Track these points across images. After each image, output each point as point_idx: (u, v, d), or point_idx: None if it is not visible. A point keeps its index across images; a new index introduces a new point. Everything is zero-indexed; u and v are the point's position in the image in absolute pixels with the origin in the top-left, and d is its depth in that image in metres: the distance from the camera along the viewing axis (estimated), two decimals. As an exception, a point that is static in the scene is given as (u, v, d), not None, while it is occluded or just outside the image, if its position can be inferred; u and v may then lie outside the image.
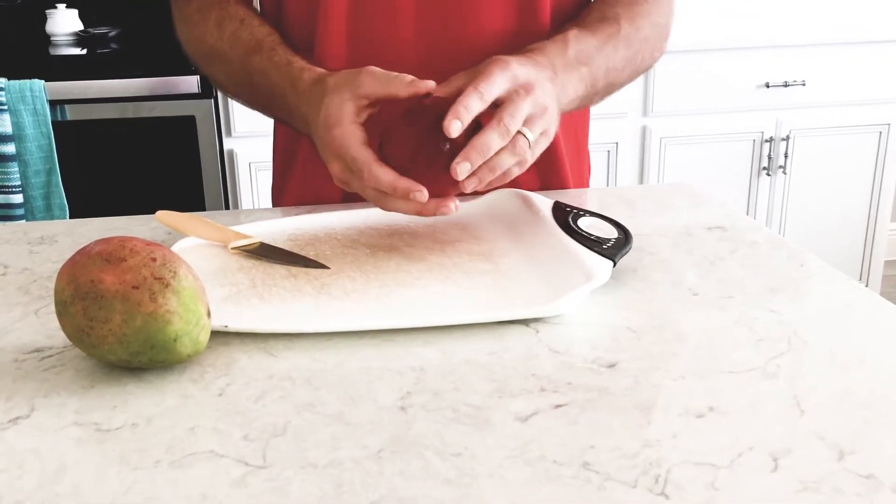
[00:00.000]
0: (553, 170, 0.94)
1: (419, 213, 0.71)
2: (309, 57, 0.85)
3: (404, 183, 0.69)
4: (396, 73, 0.72)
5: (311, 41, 0.89)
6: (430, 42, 0.88)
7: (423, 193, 0.68)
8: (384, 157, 0.70)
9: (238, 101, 0.92)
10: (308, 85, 0.78)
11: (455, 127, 0.67)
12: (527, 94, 0.72)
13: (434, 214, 0.71)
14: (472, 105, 0.69)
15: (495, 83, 0.71)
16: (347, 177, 0.72)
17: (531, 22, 0.89)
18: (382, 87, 0.72)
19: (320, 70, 0.80)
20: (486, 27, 0.88)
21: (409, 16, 0.87)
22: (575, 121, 0.98)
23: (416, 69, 0.87)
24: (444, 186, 0.70)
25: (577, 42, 0.83)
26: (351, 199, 0.92)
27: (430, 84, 0.71)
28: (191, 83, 1.97)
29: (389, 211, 0.72)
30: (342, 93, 0.73)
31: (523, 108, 0.71)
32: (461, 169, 0.68)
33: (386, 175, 0.69)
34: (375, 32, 0.88)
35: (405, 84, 0.72)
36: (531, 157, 0.73)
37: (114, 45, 2.21)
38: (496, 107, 0.72)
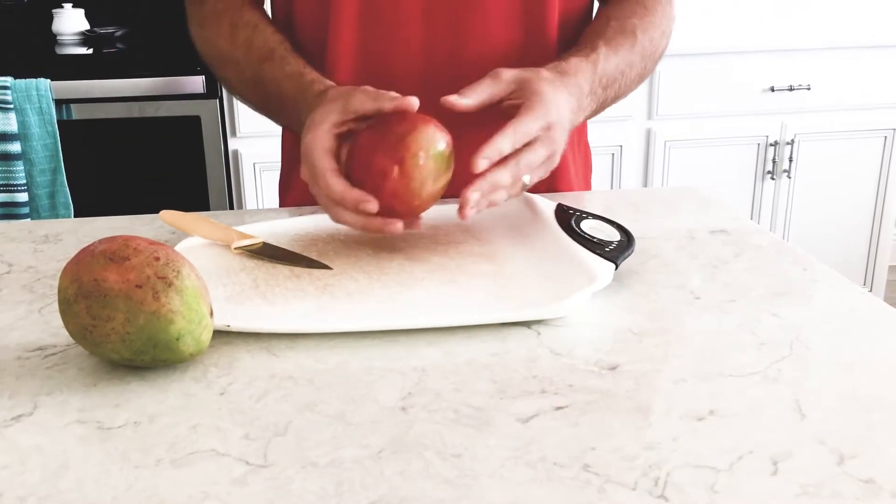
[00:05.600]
0: (560, 176, 0.95)
1: (364, 228, 0.71)
2: (319, 68, 0.86)
3: (354, 194, 0.69)
4: (385, 92, 0.72)
5: (321, 55, 0.89)
6: (438, 54, 0.88)
7: (372, 204, 0.68)
8: (346, 169, 0.71)
9: (247, 105, 0.93)
10: (314, 96, 0.79)
11: (482, 165, 0.69)
12: (547, 141, 0.73)
13: (380, 232, 0.70)
14: (504, 148, 0.70)
15: (532, 129, 0.72)
16: (310, 182, 0.73)
17: (538, 35, 0.89)
18: (371, 102, 0.72)
19: (327, 83, 0.81)
20: (492, 40, 0.88)
21: (418, 29, 0.88)
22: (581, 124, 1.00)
23: (423, 81, 0.88)
24: (398, 204, 0.70)
25: (605, 63, 0.85)
26: None
27: (413, 102, 0.70)
28: (196, 83, 1.98)
29: (338, 223, 0.72)
30: (333, 104, 0.73)
31: (539, 156, 0.73)
32: (472, 198, 0.69)
33: (337, 185, 0.69)
34: (384, 45, 0.89)
35: (389, 99, 0.71)
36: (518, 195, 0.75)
37: (120, 45, 2.22)
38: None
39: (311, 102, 0.78)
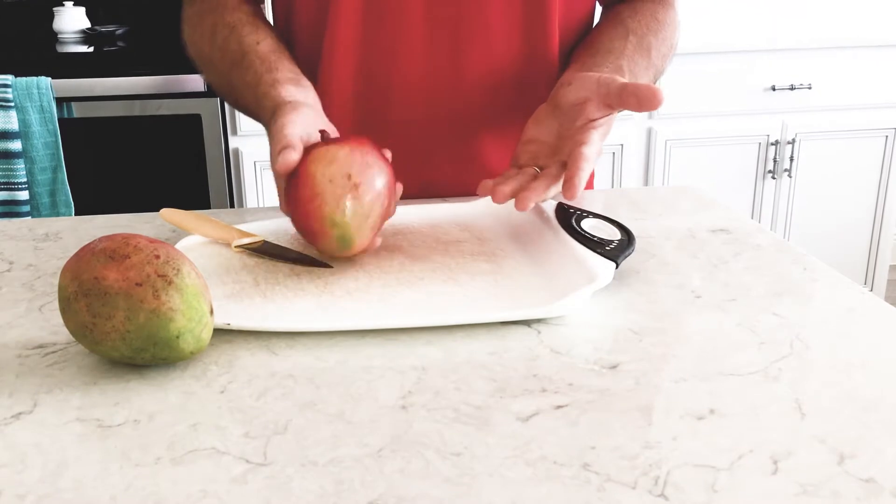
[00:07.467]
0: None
1: None
2: (318, 75, 0.85)
3: None
4: (288, 144, 0.66)
5: (320, 61, 0.89)
6: (439, 63, 0.88)
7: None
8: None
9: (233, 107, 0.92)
10: (268, 117, 0.75)
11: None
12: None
13: None
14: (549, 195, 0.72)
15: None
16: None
17: (539, 43, 0.89)
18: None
19: (278, 97, 0.76)
20: (494, 47, 0.88)
21: (419, 39, 0.87)
22: None
23: (425, 89, 0.87)
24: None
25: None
26: None
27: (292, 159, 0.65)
28: (197, 81, 1.98)
29: None
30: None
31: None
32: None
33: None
34: (385, 56, 0.88)
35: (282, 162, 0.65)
36: None
37: (121, 43, 2.22)
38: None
39: (267, 124, 0.75)
